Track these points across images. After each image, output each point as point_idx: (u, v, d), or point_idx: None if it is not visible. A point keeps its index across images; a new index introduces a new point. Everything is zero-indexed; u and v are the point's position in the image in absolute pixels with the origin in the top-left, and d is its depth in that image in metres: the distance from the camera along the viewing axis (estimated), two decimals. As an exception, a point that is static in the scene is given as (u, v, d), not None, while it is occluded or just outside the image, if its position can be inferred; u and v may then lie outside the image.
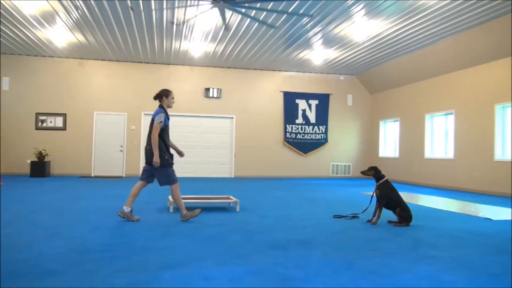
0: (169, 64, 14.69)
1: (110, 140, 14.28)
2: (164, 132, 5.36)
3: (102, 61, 14.26)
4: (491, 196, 10.01)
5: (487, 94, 10.78)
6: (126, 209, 5.39)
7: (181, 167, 14.73)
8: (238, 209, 6.62)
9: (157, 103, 5.53)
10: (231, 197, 7.09)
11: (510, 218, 6.55)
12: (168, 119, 5.44)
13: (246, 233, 4.89)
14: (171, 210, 6.36)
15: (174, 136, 14.80)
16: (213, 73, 15.07)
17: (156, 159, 5.22)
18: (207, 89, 14.89)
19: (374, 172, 5.83)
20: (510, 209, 7.53)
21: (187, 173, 14.76)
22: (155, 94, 5.52)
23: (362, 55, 12.99)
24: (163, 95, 5.48)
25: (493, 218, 6.37)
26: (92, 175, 13.98)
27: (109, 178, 13.47)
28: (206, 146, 14.97)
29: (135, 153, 14.41)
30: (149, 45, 12.31)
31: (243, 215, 6.19)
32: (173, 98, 5.50)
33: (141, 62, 14.51)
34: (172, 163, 5.41)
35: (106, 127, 14.26)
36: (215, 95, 14.89)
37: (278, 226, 5.39)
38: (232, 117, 15.21)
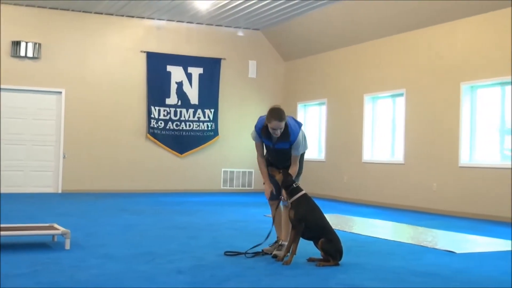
0: None
1: None
2: None
3: None
4: (456, 218, 10.91)
5: (450, 67, 11.72)
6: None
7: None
8: (67, 246, 6.46)
9: None
10: (55, 225, 6.96)
11: (479, 250, 7.19)
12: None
13: (79, 286, 4.76)
14: None
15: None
16: (26, 17, 14.39)
17: None
18: (16, 44, 14.20)
19: (282, 177, 6.01)
20: (479, 237, 8.27)
21: (-22, 187, 13.92)
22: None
23: (272, -1, 13.33)
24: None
25: (457, 251, 6.92)
26: None
27: None
28: (14, 140, 14.31)
29: None
30: None
31: (76, 256, 6.04)
32: (274, 129, 6.04)
33: None
34: None
35: None
36: (29, 54, 14.28)
37: (132, 272, 5.31)
38: (60, 92, 14.72)
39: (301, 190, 5.98)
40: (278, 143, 6.14)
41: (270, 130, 6.04)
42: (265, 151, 6.46)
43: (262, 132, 6.19)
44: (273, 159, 6.36)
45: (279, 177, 6.02)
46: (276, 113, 5.99)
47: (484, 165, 10.95)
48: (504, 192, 10.41)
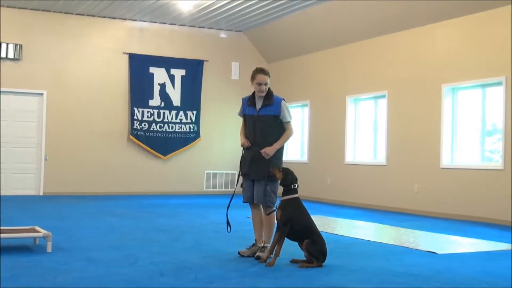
0: None
1: None
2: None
3: None
4: (437, 219, 11.00)
5: (432, 69, 11.81)
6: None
7: None
8: (49, 249, 6.44)
9: None
10: (37, 228, 6.94)
11: (460, 251, 7.28)
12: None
13: (61, 289, 4.75)
14: None
15: None
16: (7, 18, 14.28)
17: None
18: (-3, 45, 14.12)
19: (283, 176, 6.06)
20: (460, 238, 8.36)
21: (-42, 189, 13.81)
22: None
23: (255, 1, 13.35)
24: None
25: (438, 252, 7.00)
26: None
27: None
28: (-6, 142, 14.19)
29: None
30: None
31: (57, 259, 6.01)
32: (259, 84, 6.46)
33: None
34: None
35: None
36: (10, 56, 14.20)
37: (114, 275, 5.31)
38: (41, 94, 14.64)
39: (296, 193, 6.06)
40: (262, 109, 6.49)
41: (256, 88, 6.49)
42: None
43: (249, 100, 6.63)
44: (257, 134, 6.46)
45: (280, 176, 6.06)
46: (260, 68, 6.55)
47: (465, 167, 11.06)
48: (485, 193, 10.52)
